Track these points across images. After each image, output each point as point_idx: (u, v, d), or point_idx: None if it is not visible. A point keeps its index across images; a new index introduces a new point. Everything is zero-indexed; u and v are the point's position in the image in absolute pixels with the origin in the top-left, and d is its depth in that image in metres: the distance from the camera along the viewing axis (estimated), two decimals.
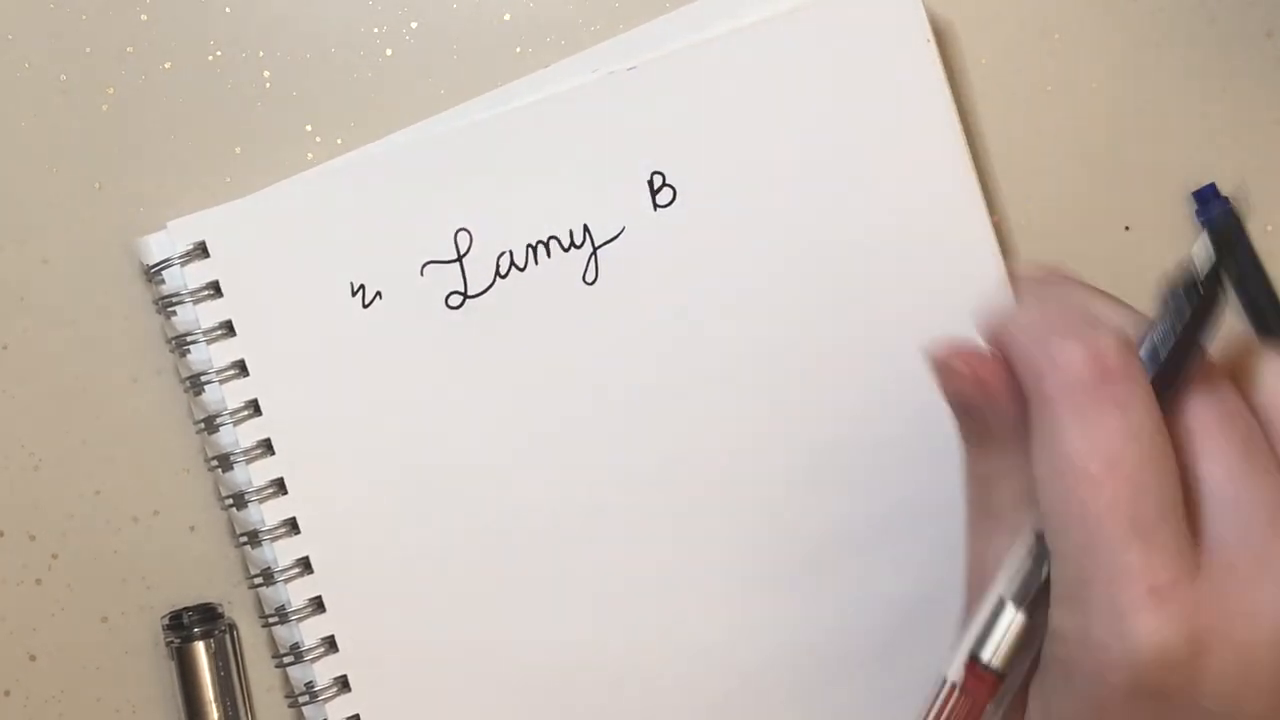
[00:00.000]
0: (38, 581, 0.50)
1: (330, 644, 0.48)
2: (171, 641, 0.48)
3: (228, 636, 0.49)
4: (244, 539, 0.48)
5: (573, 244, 0.47)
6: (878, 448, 0.47)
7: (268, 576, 0.48)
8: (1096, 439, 0.35)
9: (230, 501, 0.48)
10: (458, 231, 0.47)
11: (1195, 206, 0.50)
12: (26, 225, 0.49)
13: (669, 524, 0.48)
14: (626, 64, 0.47)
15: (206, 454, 0.49)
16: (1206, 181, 0.49)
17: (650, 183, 0.47)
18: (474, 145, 0.48)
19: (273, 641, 0.49)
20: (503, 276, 0.47)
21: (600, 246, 0.47)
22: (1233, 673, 0.35)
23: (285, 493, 0.48)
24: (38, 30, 0.49)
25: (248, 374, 0.48)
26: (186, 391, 0.48)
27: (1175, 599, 0.35)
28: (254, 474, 0.48)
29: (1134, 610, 0.34)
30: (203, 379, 0.48)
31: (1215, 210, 0.49)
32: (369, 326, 0.47)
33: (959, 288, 0.47)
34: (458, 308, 0.47)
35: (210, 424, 0.48)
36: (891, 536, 0.47)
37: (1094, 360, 0.36)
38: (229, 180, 0.49)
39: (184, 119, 0.49)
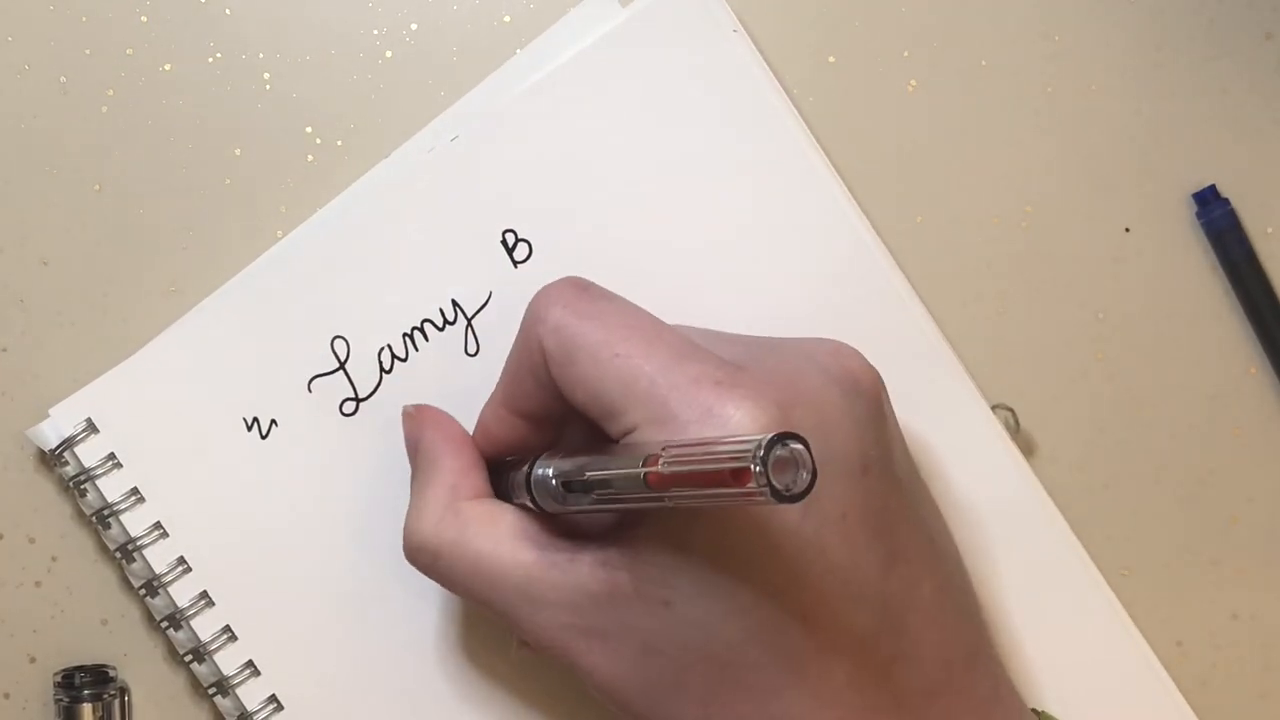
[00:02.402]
0: (37, 584, 0.50)
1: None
2: (60, 700, 0.49)
3: (117, 701, 0.49)
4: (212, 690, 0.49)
5: (446, 321, 0.48)
6: None
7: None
8: (605, 341, 0.40)
9: (189, 658, 0.49)
10: (334, 340, 0.48)
11: (1195, 208, 0.50)
12: (26, 226, 0.49)
13: None
14: (449, 137, 0.48)
15: (152, 614, 0.49)
16: (1206, 183, 0.49)
17: (504, 242, 0.48)
18: (324, 251, 0.48)
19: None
20: (388, 372, 0.48)
21: (473, 317, 0.48)
22: (812, 417, 0.39)
23: (236, 639, 0.48)
24: (38, 32, 0.49)
25: (168, 535, 0.48)
26: (118, 560, 0.49)
27: (740, 383, 0.38)
28: (199, 628, 0.48)
29: (718, 401, 0.38)
30: (130, 548, 0.48)
31: (1215, 212, 0.49)
32: (273, 455, 0.48)
33: (823, 257, 0.48)
34: (352, 414, 0.48)
35: (150, 588, 0.48)
36: None
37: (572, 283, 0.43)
38: (228, 181, 0.49)
39: (183, 121, 0.49)
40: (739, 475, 0.33)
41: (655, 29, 0.48)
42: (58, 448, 0.48)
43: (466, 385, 0.48)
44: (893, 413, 0.42)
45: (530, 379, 0.42)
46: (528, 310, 0.42)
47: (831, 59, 0.50)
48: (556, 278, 0.47)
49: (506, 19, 0.50)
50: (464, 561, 0.42)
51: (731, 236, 0.48)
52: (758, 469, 0.33)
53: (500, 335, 0.48)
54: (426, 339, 0.48)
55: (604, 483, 0.38)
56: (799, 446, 0.33)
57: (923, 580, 0.40)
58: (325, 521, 0.48)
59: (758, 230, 0.48)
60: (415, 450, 0.46)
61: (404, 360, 0.48)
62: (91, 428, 0.48)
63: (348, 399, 0.48)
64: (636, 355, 0.40)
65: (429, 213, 0.48)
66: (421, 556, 0.43)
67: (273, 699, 0.48)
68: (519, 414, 0.44)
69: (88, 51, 0.49)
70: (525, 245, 0.48)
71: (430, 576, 0.43)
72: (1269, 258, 0.50)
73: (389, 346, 0.48)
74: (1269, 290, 0.49)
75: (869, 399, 0.41)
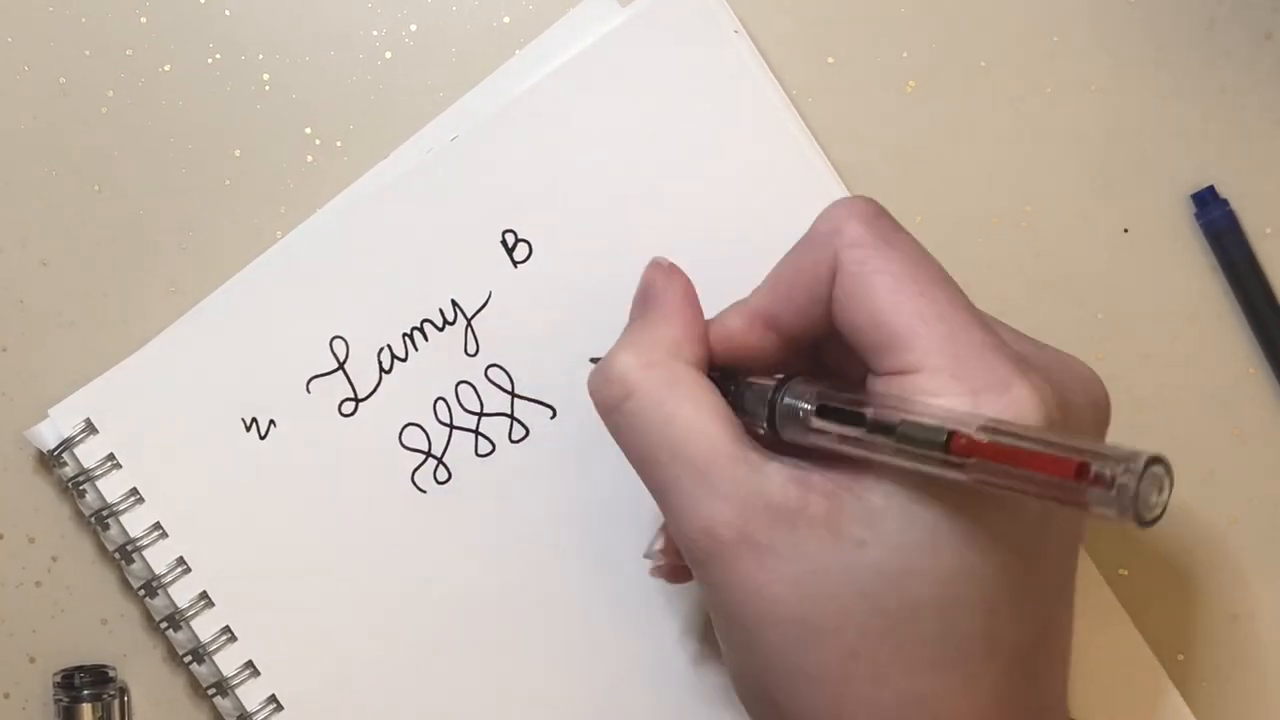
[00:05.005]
0: (37, 584, 0.50)
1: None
2: (60, 700, 0.49)
3: (116, 701, 0.49)
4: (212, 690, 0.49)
5: (446, 321, 0.48)
6: None
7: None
8: (910, 274, 0.38)
9: (188, 659, 0.49)
10: (333, 340, 0.48)
11: (1194, 209, 0.50)
12: (26, 226, 0.49)
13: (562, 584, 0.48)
14: (449, 137, 0.48)
15: (151, 615, 0.49)
16: (1206, 184, 0.49)
17: (504, 242, 0.48)
18: (324, 251, 0.48)
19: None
20: (387, 372, 0.48)
21: (473, 317, 0.48)
22: (1075, 417, 0.38)
23: (235, 640, 0.48)
24: (37, 32, 0.49)
25: (167, 535, 0.48)
26: (118, 561, 0.49)
27: (1032, 370, 0.37)
28: (199, 628, 0.48)
29: (1016, 379, 0.36)
30: (129, 549, 0.48)
31: (1214, 212, 0.49)
32: (271, 455, 0.48)
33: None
34: (351, 414, 0.48)
35: (150, 589, 0.48)
36: None
37: (872, 211, 0.40)
38: (228, 182, 0.49)
39: (183, 121, 0.49)
40: (1082, 470, 0.32)
41: (655, 29, 0.48)
42: (57, 448, 0.48)
43: (466, 386, 0.48)
44: None
45: (803, 293, 0.40)
46: (819, 220, 0.39)
47: (831, 59, 0.50)
48: (556, 278, 0.47)
49: (506, 19, 0.50)
50: (656, 413, 0.39)
51: (731, 236, 0.48)
52: (1126, 480, 0.31)
53: (500, 335, 0.48)
54: (426, 339, 0.48)
55: (885, 425, 0.36)
56: (1165, 475, 0.32)
57: (1066, 613, 0.40)
58: (325, 521, 0.48)
59: (758, 230, 0.48)
60: (649, 294, 0.43)
61: (404, 360, 0.48)
62: (90, 428, 0.48)
63: (347, 399, 0.48)
64: (942, 300, 0.37)
65: (428, 213, 0.48)
66: (611, 389, 0.40)
67: (272, 699, 0.48)
68: (773, 327, 0.41)
69: (88, 52, 0.49)
70: (525, 245, 0.48)
71: (606, 417, 0.40)
72: (1268, 258, 0.50)
73: (389, 346, 0.48)
74: (1268, 290, 0.49)
75: (1104, 431, 0.40)
